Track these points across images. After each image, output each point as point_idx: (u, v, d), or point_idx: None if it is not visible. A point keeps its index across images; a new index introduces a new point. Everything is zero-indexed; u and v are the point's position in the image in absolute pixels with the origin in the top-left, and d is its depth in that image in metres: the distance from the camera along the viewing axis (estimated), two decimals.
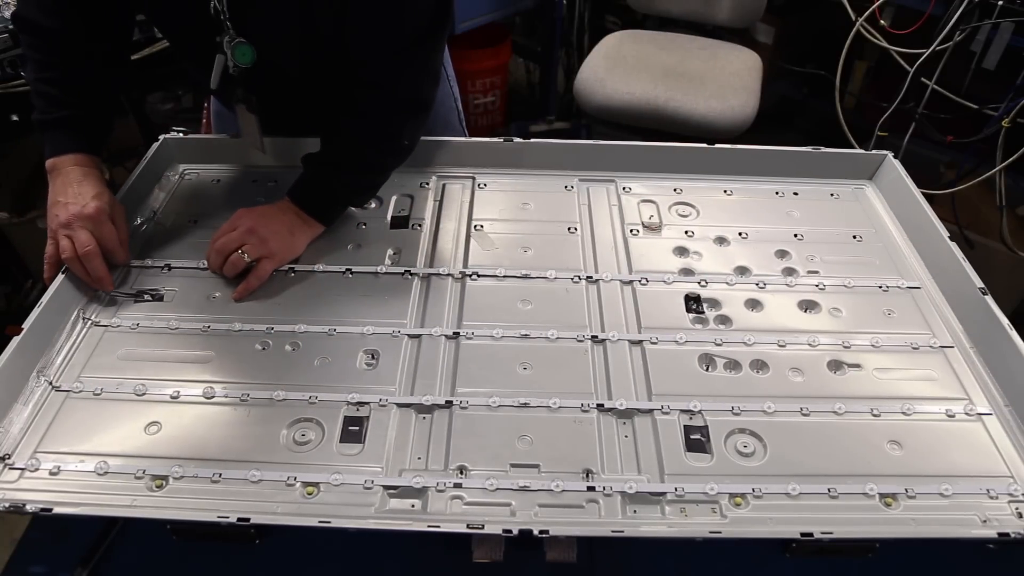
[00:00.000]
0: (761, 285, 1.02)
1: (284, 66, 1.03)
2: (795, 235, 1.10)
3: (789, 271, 1.04)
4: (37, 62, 1.00)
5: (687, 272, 1.03)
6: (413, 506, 0.76)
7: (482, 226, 1.11)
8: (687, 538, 0.74)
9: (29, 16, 0.99)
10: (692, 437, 0.82)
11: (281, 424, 0.82)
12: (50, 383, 0.86)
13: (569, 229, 1.11)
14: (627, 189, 1.18)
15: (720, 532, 0.73)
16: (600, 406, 0.85)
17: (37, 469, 0.78)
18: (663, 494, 0.77)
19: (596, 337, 0.94)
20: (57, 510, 0.73)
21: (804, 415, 0.85)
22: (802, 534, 0.71)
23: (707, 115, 2.02)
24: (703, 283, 1.02)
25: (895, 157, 1.19)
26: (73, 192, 0.96)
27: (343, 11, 0.95)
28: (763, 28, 2.64)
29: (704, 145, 1.21)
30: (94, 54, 1.01)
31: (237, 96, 1.04)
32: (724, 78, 2.11)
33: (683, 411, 0.85)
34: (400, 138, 1.06)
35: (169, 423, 0.82)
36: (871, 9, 2.08)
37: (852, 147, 2.09)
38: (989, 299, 0.93)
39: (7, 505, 0.73)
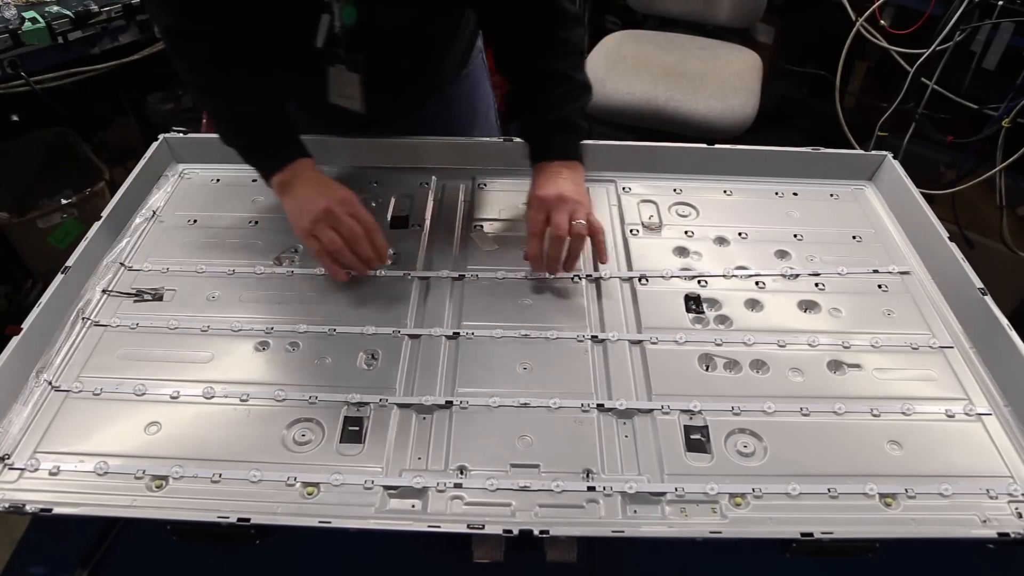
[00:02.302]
0: (761, 285, 1.02)
1: (385, 25, 1.01)
2: (795, 235, 1.10)
3: (789, 271, 1.04)
4: (221, 91, 1.00)
5: (687, 272, 1.03)
6: (413, 506, 0.76)
7: (482, 226, 1.11)
8: (687, 538, 0.74)
9: (201, 49, 0.98)
10: (692, 437, 0.82)
11: (281, 424, 0.82)
12: (49, 383, 0.86)
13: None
14: (627, 189, 1.18)
15: (720, 532, 0.73)
16: (600, 406, 0.85)
17: (37, 469, 0.78)
18: (663, 494, 0.77)
19: (596, 337, 0.93)
20: (57, 510, 0.73)
21: (804, 415, 0.85)
22: (802, 534, 0.71)
23: (707, 115, 2.02)
24: (703, 283, 1.02)
25: (895, 157, 1.19)
26: (320, 188, 0.97)
27: None
28: (763, 28, 2.64)
29: (704, 145, 1.21)
30: (259, 67, 1.01)
31: (338, 56, 1.02)
32: (724, 78, 2.11)
33: (683, 411, 0.85)
34: (583, 52, 1.05)
35: (169, 423, 0.82)
36: (871, 9, 2.08)
37: (852, 147, 2.09)
38: (989, 299, 0.93)
39: (7, 505, 0.73)
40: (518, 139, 1.20)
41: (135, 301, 0.98)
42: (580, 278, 1.02)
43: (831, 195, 1.19)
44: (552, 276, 1.00)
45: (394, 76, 1.11)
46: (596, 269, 1.04)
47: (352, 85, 1.03)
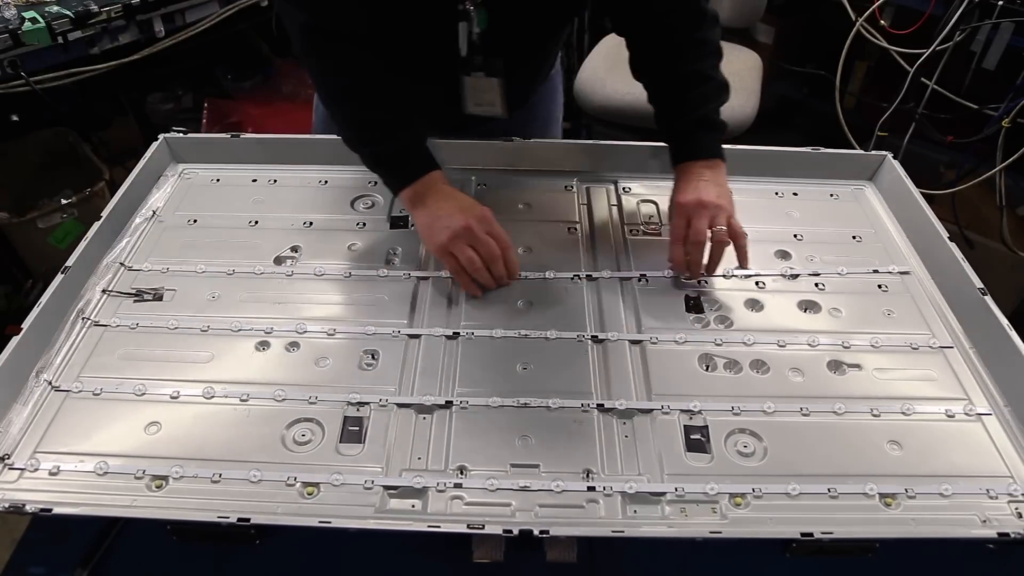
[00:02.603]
0: (761, 285, 1.02)
1: (514, 28, 1.01)
2: (795, 235, 1.10)
3: (789, 271, 1.04)
4: (351, 94, 0.99)
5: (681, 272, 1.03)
6: (413, 506, 0.76)
7: None
8: (687, 538, 0.74)
9: (337, 48, 0.97)
10: (692, 437, 0.82)
11: (281, 424, 0.82)
12: (49, 383, 0.86)
13: (569, 229, 1.11)
14: (627, 189, 1.18)
15: (720, 532, 0.73)
16: (600, 406, 0.85)
17: (37, 469, 0.78)
18: (663, 494, 0.77)
19: (596, 337, 0.94)
20: (57, 510, 0.73)
21: (804, 415, 0.85)
22: (802, 534, 0.71)
23: None
24: (703, 283, 1.01)
25: (895, 157, 1.19)
26: (458, 203, 0.96)
27: None
28: (763, 28, 2.64)
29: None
30: (382, 66, 0.99)
31: (475, 64, 1.01)
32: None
33: (683, 411, 0.85)
34: (718, 49, 1.05)
35: (169, 423, 0.82)
36: (871, 9, 2.08)
37: (852, 147, 2.08)
38: (989, 299, 0.93)
39: (7, 505, 0.73)
40: (517, 138, 1.20)
41: (135, 301, 0.98)
42: (580, 278, 1.02)
43: (831, 195, 1.19)
44: (698, 280, 1.01)
45: (518, 78, 1.09)
46: (596, 270, 1.04)
47: (492, 91, 1.03)
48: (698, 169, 1.01)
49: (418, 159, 0.99)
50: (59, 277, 0.95)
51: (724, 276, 1.02)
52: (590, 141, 1.19)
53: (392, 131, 0.99)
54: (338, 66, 0.98)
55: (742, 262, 1.00)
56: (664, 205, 1.15)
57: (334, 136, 1.20)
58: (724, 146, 1.18)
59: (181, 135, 1.22)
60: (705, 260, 0.98)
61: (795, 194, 1.19)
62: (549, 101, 1.33)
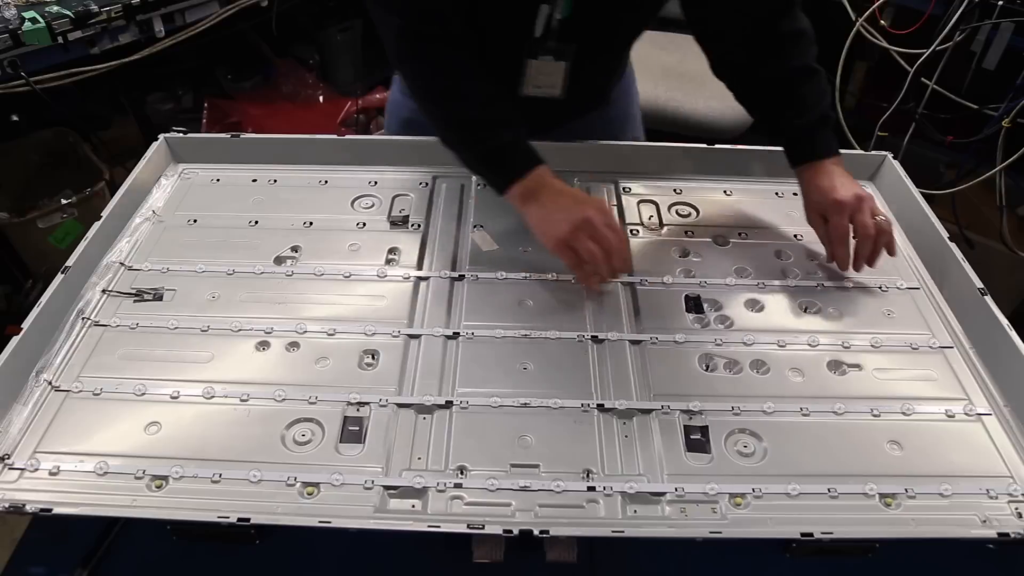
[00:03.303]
0: (761, 285, 1.02)
1: (596, 17, 1.01)
2: (795, 235, 1.10)
3: (789, 272, 1.04)
4: (446, 92, 0.99)
5: (687, 272, 1.03)
6: (413, 506, 0.76)
7: (482, 226, 1.11)
8: (687, 538, 0.74)
9: (432, 50, 0.97)
10: (692, 437, 0.82)
11: (281, 424, 0.82)
12: (49, 383, 0.86)
13: None
14: (627, 189, 1.18)
15: (720, 532, 0.73)
16: (600, 406, 0.85)
17: (37, 469, 0.78)
18: (663, 494, 0.77)
19: (596, 337, 0.93)
20: (57, 510, 0.73)
21: (804, 415, 0.85)
22: (802, 534, 0.71)
23: (707, 115, 2.02)
24: (703, 283, 1.01)
25: (895, 157, 1.19)
26: (573, 196, 0.96)
27: None
28: None
29: (704, 145, 1.21)
30: (481, 69, 0.99)
31: (547, 48, 1.01)
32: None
33: (683, 411, 0.85)
34: (812, 35, 1.04)
35: (169, 423, 0.82)
36: (871, 9, 2.08)
37: (852, 147, 2.07)
38: (989, 299, 0.93)
39: (7, 505, 0.73)
40: None
41: (135, 301, 0.98)
42: None
43: None
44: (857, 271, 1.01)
45: (587, 72, 1.09)
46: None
47: (555, 74, 1.03)
48: (830, 167, 1.01)
49: (524, 155, 0.98)
50: (59, 277, 0.95)
51: (724, 276, 1.02)
52: (590, 141, 1.19)
53: (494, 129, 0.97)
54: (436, 69, 0.98)
55: (891, 250, 1.00)
56: (664, 205, 1.15)
57: (334, 136, 1.21)
58: (724, 146, 1.18)
59: (181, 135, 1.22)
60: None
61: (795, 194, 1.18)
62: (625, 101, 1.32)
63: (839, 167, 1.02)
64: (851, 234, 0.99)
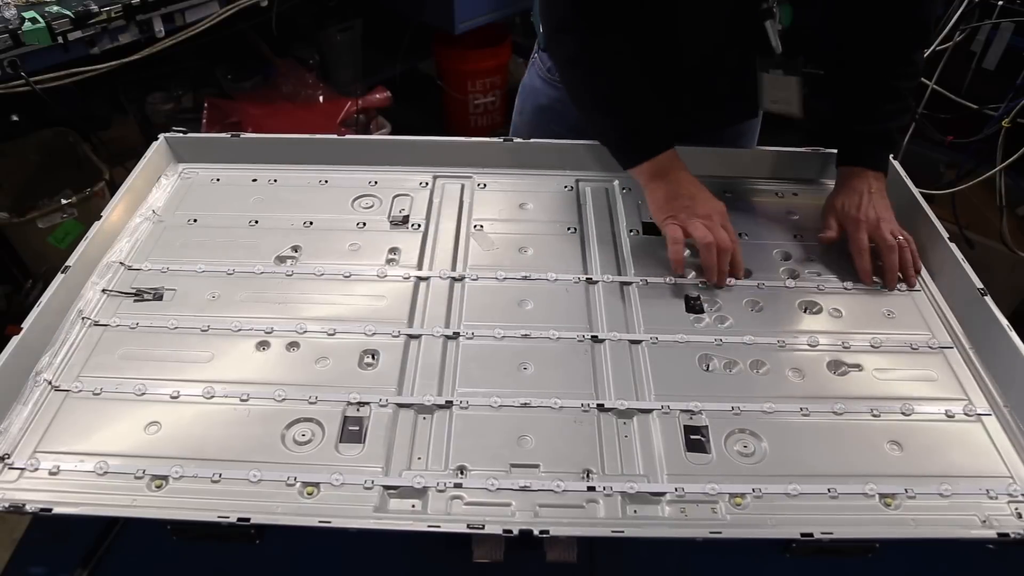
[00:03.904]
0: (761, 285, 1.02)
1: (814, 25, 1.03)
2: (795, 236, 1.10)
3: (789, 272, 1.04)
4: (602, 63, 1.03)
5: (687, 272, 1.03)
6: (413, 506, 0.76)
7: (482, 226, 1.11)
8: (687, 538, 0.74)
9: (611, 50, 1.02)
10: (692, 437, 0.82)
11: (281, 424, 0.82)
12: (49, 383, 0.86)
13: (569, 229, 1.11)
14: (627, 189, 1.18)
15: (720, 532, 0.73)
16: (600, 406, 0.85)
17: (37, 469, 0.78)
18: (663, 494, 0.77)
19: (596, 337, 0.93)
20: (57, 510, 0.73)
21: (804, 415, 0.85)
22: (802, 534, 0.71)
23: None
24: (703, 283, 1.01)
25: (895, 157, 1.19)
26: (701, 190, 1.02)
27: None
28: None
29: (702, 147, 1.21)
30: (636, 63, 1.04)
31: (776, 61, 1.04)
32: None
33: (683, 411, 0.85)
34: (921, 71, 1.11)
35: (169, 423, 0.82)
36: None
37: None
38: (988, 299, 0.93)
39: (7, 505, 0.73)
40: (518, 139, 1.20)
41: (135, 301, 0.98)
42: (580, 279, 1.02)
43: None
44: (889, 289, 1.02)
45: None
46: (596, 271, 1.04)
47: (790, 89, 1.06)
48: (868, 179, 1.05)
49: (660, 134, 1.04)
50: (59, 277, 0.95)
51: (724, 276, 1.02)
52: (590, 141, 1.19)
53: (640, 107, 1.04)
54: (596, 44, 1.02)
55: (916, 264, 1.04)
56: None
57: (334, 136, 1.21)
58: (723, 148, 1.18)
59: (181, 135, 1.22)
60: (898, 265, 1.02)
61: (795, 194, 1.19)
62: (755, 123, 1.35)
63: (879, 183, 1.06)
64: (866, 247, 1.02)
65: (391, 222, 1.11)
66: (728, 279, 1.01)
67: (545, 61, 1.26)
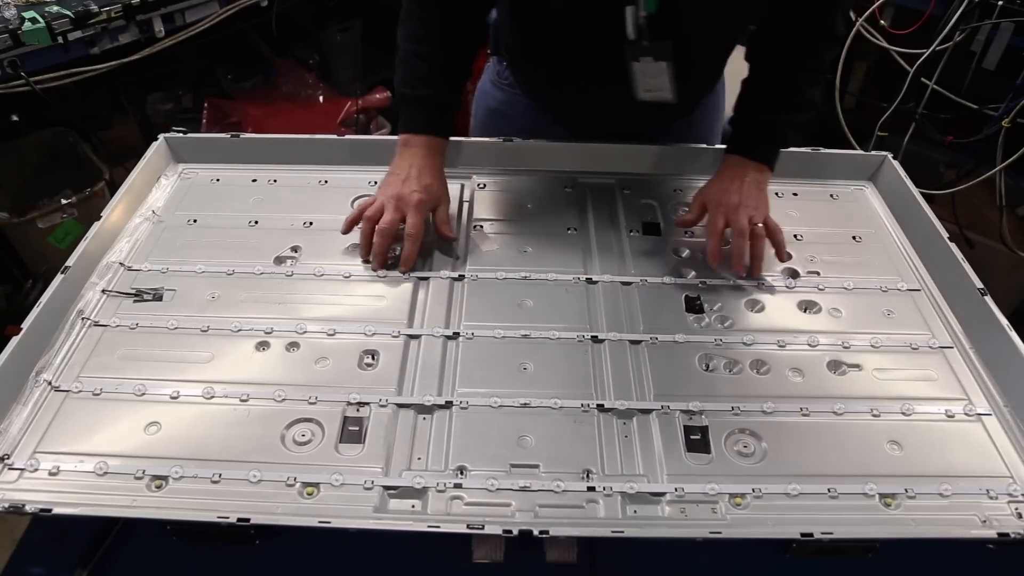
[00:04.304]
0: (761, 285, 1.02)
1: (684, 14, 1.01)
2: (795, 236, 1.10)
3: (789, 272, 1.04)
4: (413, 33, 1.05)
5: (687, 272, 1.03)
6: (413, 506, 0.76)
7: (482, 226, 1.11)
8: (687, 538, 0.74)
9: None
10: (692, 437, 0.82)
11: (281, 424, 0.82)
12: (49, 383, 0.86)
13: (568, 229, 1.11)
14: (627, 189, 1.18)
15: (720, 532, 0.73)
16: (600, 406, 0.85)
17: (36, 469, 0.78)
18: (663, 494, 0.77)
19: (596, 337, 0.93)
20: (57, 510, 0.73)
21: (804, 415, 0.85)
22: (802, 534, 0.71)
23: None
24: (703, 283, 1.01)
25: (895, 157, 1.19)
26: (413, 173, 1.03)
27: None
28: None
29: (704, 145, 1.21)
30: (462, 37, 1.06)
31: (642, 48, 1.02)
32: (724, 78, 2.11)
33: (683, 411, 0.85)
34: (825, 71, 1.11)
35: (169, 423, 0.82)
36: (871, 9, 2.08)
37: (852, 147, 2.09)
38: (989, 299, 0.93)
39: (7, 505, 0.73)
40: (518, 139, 1.20)
41: (135, 301, 0.98)
42: (580, 279, 1.02)
43: (831, 195, 1.19)
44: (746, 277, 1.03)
45: (682, 74, 1.09)
46: (596, 271, 1.04)
47: (661, 75, 1.04)
48: (747, 169, 1.05)
49: (424, 117, 1.05)
50: (59, 277, 0.95)
51: (724, 276, 1.02)
52: (594, 144, 1.19)
53: (422, 81, 1.03)
54: (416, 12, 1.04)
55: (780, 255, 1.03)
56: (664, 205, 1.15)
57: (334, 136, 1.21)
58: (722, 147, 1.18)
59: (181, 135, 1.22)
60: (746, 254, 1.01)
61: (795, 194, 1.19)
62: (713, 119, 1.33)
63: (759, 175, 1.05)
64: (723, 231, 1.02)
65: None
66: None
67: (496, 65, 1.27)
